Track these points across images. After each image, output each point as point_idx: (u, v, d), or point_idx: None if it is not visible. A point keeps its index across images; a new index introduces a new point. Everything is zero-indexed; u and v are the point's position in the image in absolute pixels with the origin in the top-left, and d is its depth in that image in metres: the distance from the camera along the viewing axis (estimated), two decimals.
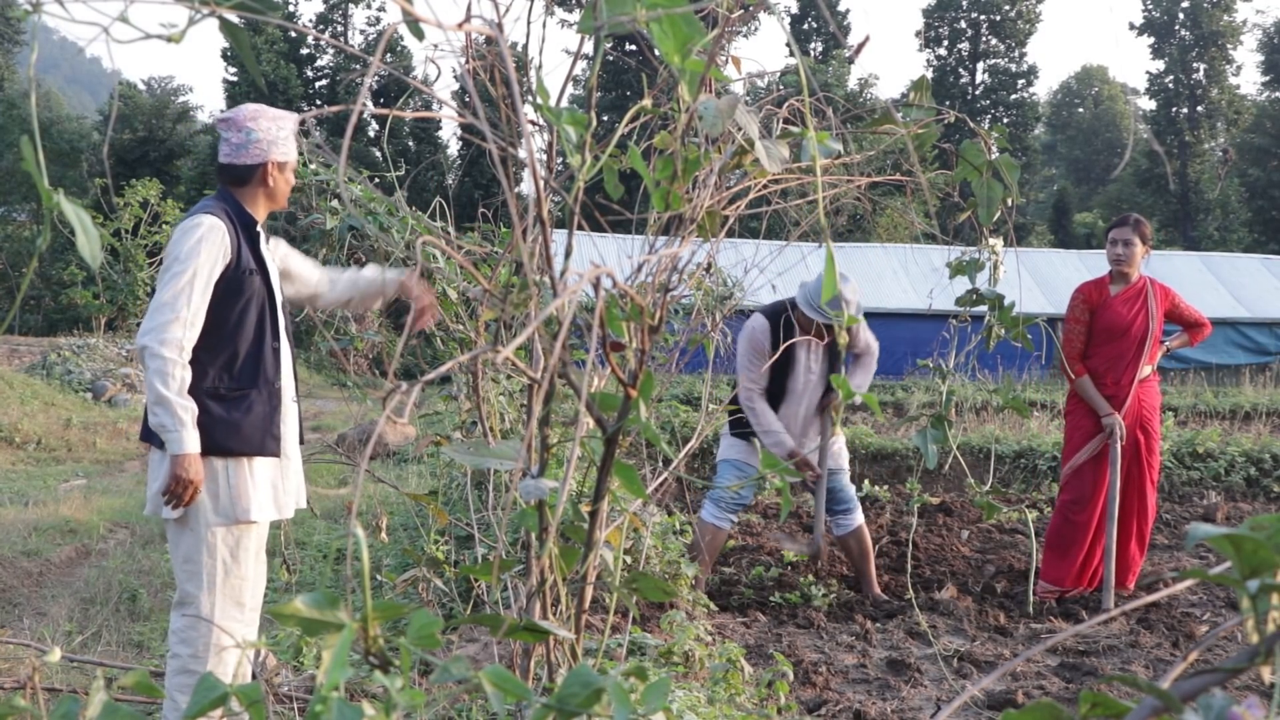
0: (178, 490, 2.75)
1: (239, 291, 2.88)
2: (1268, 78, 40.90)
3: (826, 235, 1.16)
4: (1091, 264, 20.16)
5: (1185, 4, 41.38)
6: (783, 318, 4.84)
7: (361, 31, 36.09)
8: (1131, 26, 43.07)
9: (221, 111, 2.94)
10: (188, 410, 2.74)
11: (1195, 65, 41.14)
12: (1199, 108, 41.26)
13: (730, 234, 1.63)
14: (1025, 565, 5.64)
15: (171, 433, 2.73)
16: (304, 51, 33.91)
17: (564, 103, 1.33)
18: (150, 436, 2.94)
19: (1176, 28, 41.71)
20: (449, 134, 33.21)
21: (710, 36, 1.14)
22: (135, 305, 19.00)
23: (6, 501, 7.54)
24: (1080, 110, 53.22)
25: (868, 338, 5.06)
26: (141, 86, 35.46)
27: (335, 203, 4.22)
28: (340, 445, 8.60)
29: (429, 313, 3.07)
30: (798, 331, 4.78)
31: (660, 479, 2.12)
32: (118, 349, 15.66)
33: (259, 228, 2.98)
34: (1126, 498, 5.08)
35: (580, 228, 1.31)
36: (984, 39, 41.72)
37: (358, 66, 25.17)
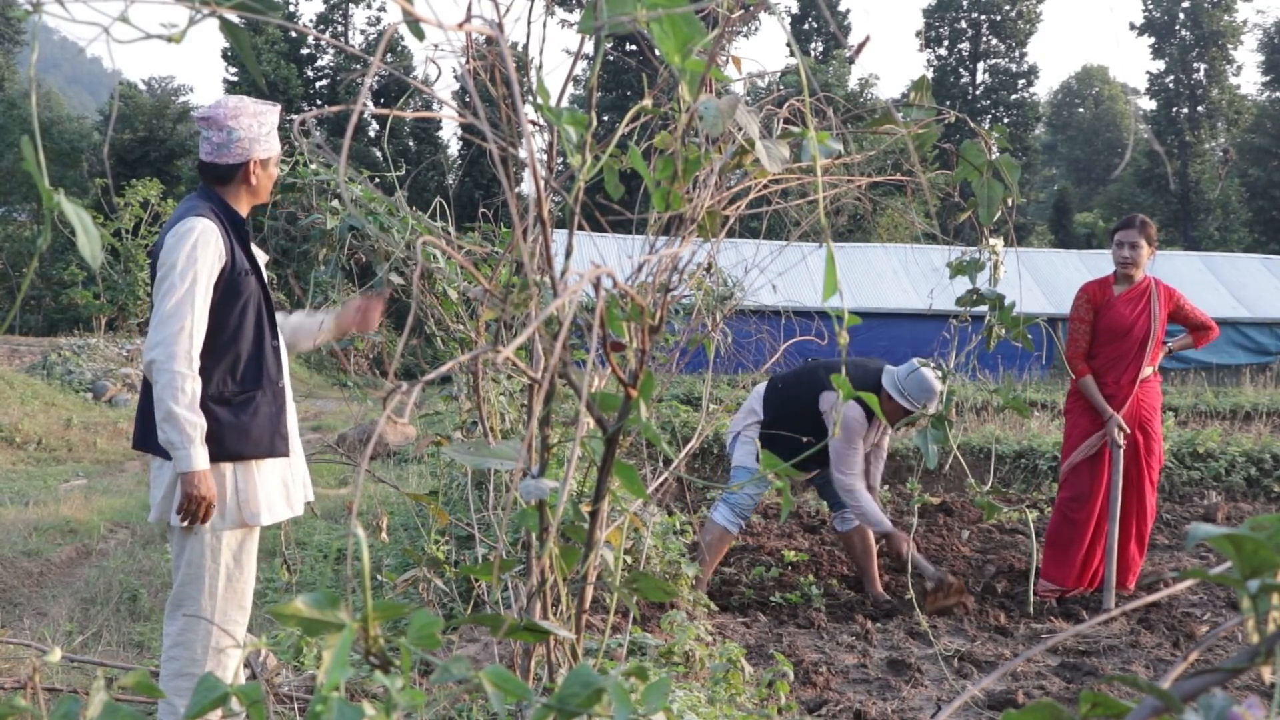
0: (192, 509, 2.71)
1: (237, 293, 2.85)
2: (1268, 78, 40.89)
3: (827, 235, 1.16)
4: (1092, 264, 20.15)
5: (1186, 4, 41.37)
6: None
7: (362, 31, 36.11)
8: (1132, 26, 43.09)
9: (201, 108, 2.89)
10: (196, 427, 2.69)
11: (1196, 65, 41.13)
12: (1199, 108, 41.25)
13: (731, 234, 1.62)
14: (1026, 565, 5.64)
15: (180, 450, 2.68)
16: (304, 51, 33.92)
17: (564, 103, 1.33)
18: (145, 444, 2.92)
19: (1177, 28, 41.69)
20: (449, 134, 33.23)
21: (711, 36, 1.14)
22: (135, 305, 19.01)
23: (7, 501, 7.55)
24: (1081, 110, 53.19)
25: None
26: (142, 86, 35.47)
27: (335, 203, 4.21)
28: (340, 445, 8.61)
29: (373, 309, 3.13)
30: (880, 415, 4.76)
31: (661, 479, 2.12)
32: (118, 349, 15.67)
33: (246, 226, 2.96)
34: (1125, 498, 5.08)
35: (581, 228, 1.31)
36: (984, 39, 41.70)
37: (358, 66, 25.18)
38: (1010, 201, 2.06)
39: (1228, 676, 0.78)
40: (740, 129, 1.34)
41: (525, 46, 1.47)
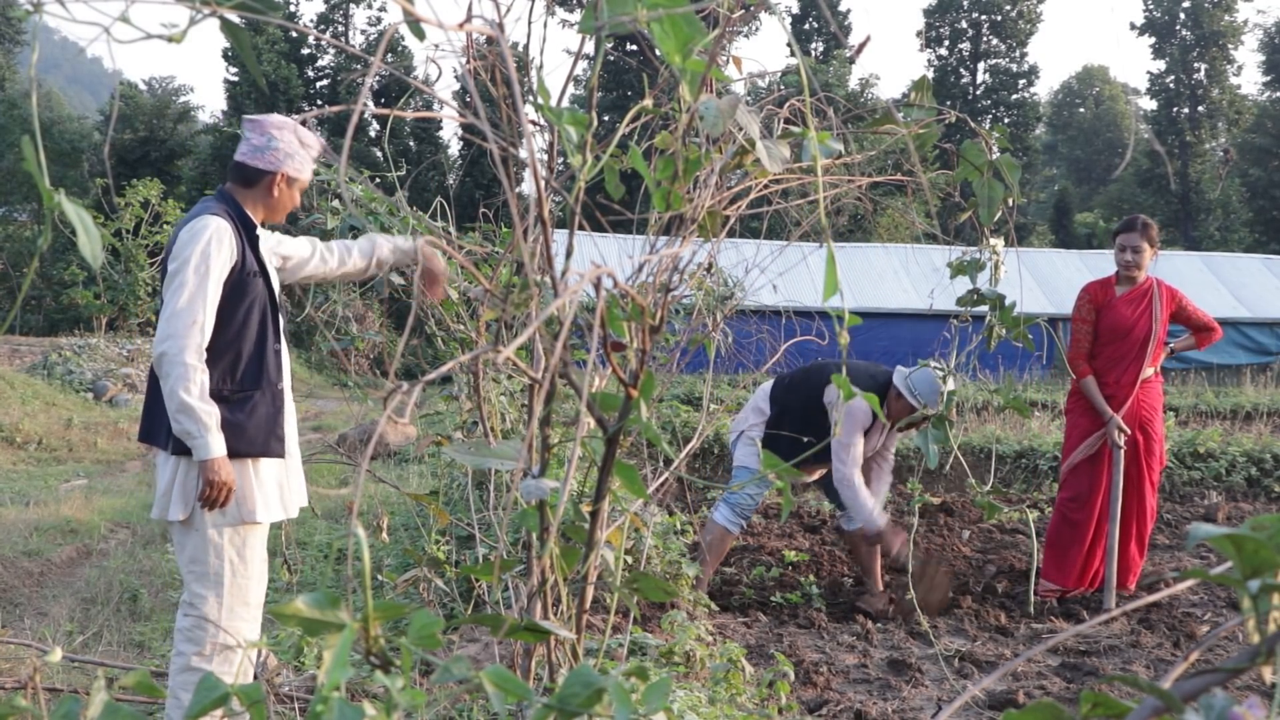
0: (212, 495, 2.75)
1: (243, 294, 2.87)
2: (1269, 78, 40.87)
3: (827, 235, 1.16)
4: (1093, 264, 20.14)
5: (1186, 4, 41.36)
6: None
7: (362, 31, 36.10)
8: (1132, 26, 43.08)
9: (254, 116, 2.90)
10: (211, 415, 2.73)
11: (1196, 65, 41.11)
12: (1200, 108, 41.24)
13: (731, 234, 1.62)
14: (1026, 565, 5.64)
15: (197, 439, 2.72)
16: (305, 51, 33.90)
17: (565, 103, 1.33)
18: (150, 437, 2.94)
19: (1177, 28, 41.68)
20: (450, 134, 33.24)
21: (711, 36, 1.14)
22: (136, 305, 19.01)
23: (7, 501, 7.55)
24: (1081, 110, 53.17)
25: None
26: (142, 86, 35.47)
27: (336, 203, 4.22)
28: (341, 445, 8.61)
29: (440, 280, 2.98)
30: (886, 415, 4.74)
31: (661, 479, 2.12)
32: (119, 349, 15.67)
33: (258, 230, 2.98)
34: (1125, 498, 5.08)
35: (581, 228, 1.31)
36: (985, 39, 41.70)
37: (359, 67, 25.18)
38: (1011, 201, 2.06)
39: (1228, 676, 0.78)
40: (741, 129, 1.34)
41: (526, 46, 1.47)
